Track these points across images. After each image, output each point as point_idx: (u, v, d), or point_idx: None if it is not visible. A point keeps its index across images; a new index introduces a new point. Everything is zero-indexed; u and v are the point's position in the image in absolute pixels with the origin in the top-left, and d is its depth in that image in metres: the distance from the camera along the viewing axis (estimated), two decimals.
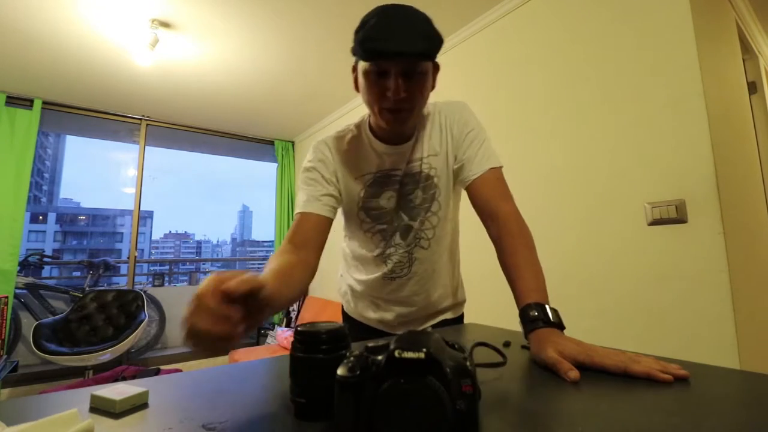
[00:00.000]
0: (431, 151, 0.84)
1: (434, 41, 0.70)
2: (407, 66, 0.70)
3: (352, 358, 0.31)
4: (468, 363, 0.30)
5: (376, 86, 0.73)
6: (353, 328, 0.94)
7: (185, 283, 4.82)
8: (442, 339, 0.33)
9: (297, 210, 0.83)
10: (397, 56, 0.68)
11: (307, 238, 0.78)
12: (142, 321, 2.86)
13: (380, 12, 0.70)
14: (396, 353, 0.29)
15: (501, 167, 0.82)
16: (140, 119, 3.59)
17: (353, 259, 0.98)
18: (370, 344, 0.32)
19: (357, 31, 0.72)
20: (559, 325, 0.61)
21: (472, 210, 0.82)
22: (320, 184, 0.83)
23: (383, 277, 0.91)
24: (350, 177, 0.86)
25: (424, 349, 0.29)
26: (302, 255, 0.74)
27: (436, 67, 0.79)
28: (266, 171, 4.42)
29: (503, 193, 0.80)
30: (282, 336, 3.27)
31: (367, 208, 0.88)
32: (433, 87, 0.79)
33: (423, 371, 0.28)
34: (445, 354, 0.30)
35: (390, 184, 0.85)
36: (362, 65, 0.73)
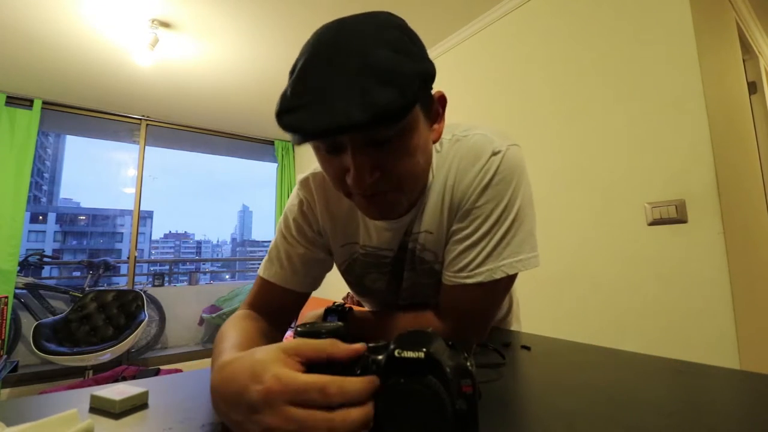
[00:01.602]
0: (426, 226, 0.59)
1: (403, 81, 0.41)
2: (369, 133, 0.43)
3: None
4: (468, 363, 0.30)
5: (330, 166, 0.48)
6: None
7: (185, 283, 4.82)
8: (443, 339, 0.33)
9: (265, 275, 0.64)
10: (326, 135, 0.41)
11: (280, 312, 0.64)
12: (142, 321, 2.86)
13: (311, 48, 0.44)
14: (396, 353, 0.29)
15: (485, 282, 0.54)
16: (140, 119, 3.59)
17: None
18: (371, 344, 0.32)
19: (288, 81, 0.46)
20: None
21: None
22: (301, 244, 0.64)
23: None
24: (334, 241, 0.66)
25: (424, 349, 0.28)
26: (273, 324, 0.61)
27: (440, 101, 0.52)
28: (266, 171, 4.43)
29: (461, 313, 0.57)
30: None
31: (349, 282, 0.71)
32: (439, 130, 0.53)
33: (423, 371, 0.28)
34: (446, 354, 0.30)
35: (377, 266, 0.64)
36: None
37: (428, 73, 0.45)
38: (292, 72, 0.46)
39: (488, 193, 0.54)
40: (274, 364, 0.30)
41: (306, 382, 0.28)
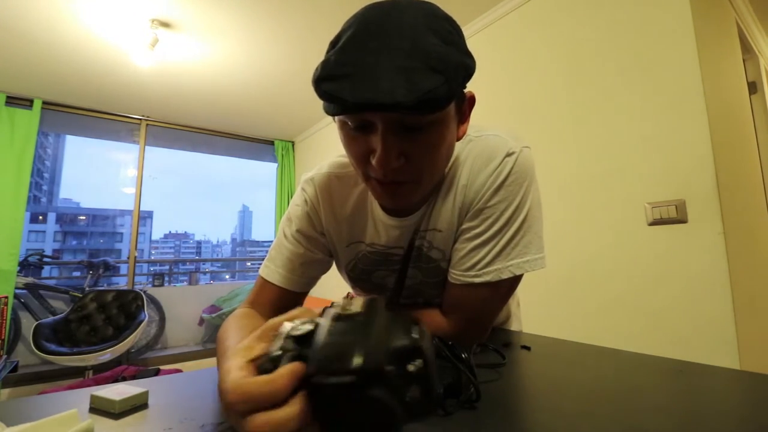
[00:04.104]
0: (435, 224, 0.59)
1: (450, 71, 0.41)
2: (401, 117, 0.42)
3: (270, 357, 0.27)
4: (414, 333, 0.25)
5: (355, 145, 0.47)
6: None
7: (185, 283, 4.82)
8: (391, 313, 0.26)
9: (263, 274, 0.64)
10: (366, 109, 0.41)
11: (278, 310, 0.62)
12: (141, 321, 2.86)
13: (358, 22, 0.44)
14: (314, 380, 0.23)
15: (493, 282, 0.54)
16: (140, 119, 3.59)
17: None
18: (292, 332, 0.27)
19: (327, 51, 0.46)
20: None
21: None
22: (301, 244, 0.64)
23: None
24: (339, 241, 0.66)
25: (353, 366, 0.22)
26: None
27: (470, 102, 0.53)
28: (266, 171, 4.42)
29: (466, 312, 0.57)
30: None
31: (354, 279, 0.70)
32: (463, 130, 0.53)
33: (359, 388, 0.23)
34: (382, 340, 0.24)
35: (385, 263, 0.64)
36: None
37: (471, 68, 0.46)
38: (334, 43, 0.45)
39: (501, 194, 0.54)
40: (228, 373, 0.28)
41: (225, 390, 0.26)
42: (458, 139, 0.52)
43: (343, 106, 0.41)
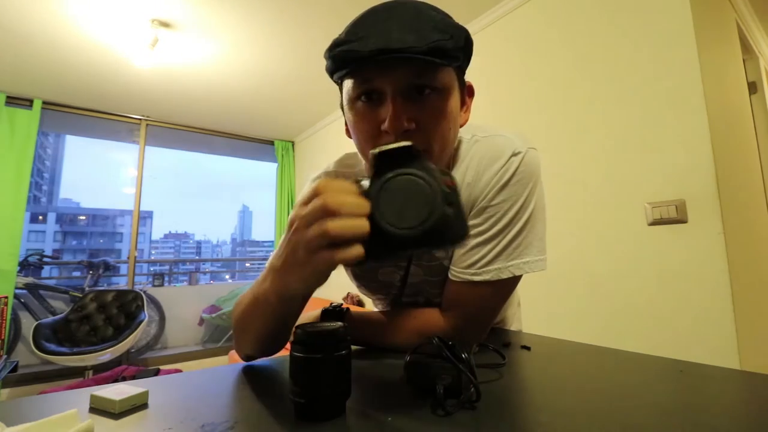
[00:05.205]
0: None
1: (453, 32, 0.46)
2: (410, 78, 0.46)
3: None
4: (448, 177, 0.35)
5: (364, 121, 0.49)
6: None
7: (185, 284, 4.82)
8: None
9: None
10: (380, 55, 0.43)
11: None
12: (141, 321, 2.86)
13: (367, 10, 0.48)
14: (378, 149, 0.34)
15: (492, 281, 0.55)
16: (140, 119, 3.59)
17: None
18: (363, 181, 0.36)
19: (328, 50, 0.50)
20: None
21: None
22: None
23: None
24: None
25: (408, 143, 0.34)
26: None
27: (469, 91, 0.56)
28: (266, 171, 4.42)
29: (464, 309, 0.57)
30: None
31: (359, 277, 0.71)
32: (465, 118, 0.56)
33: (408, 161, 0.33)
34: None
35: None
36: (345, 92, 0.51)
37: (469, 39, 0.50)
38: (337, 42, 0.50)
39: (505, 192, 0.55)
40: None
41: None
42: (462, 125, 0.55)
43: (356, 59, 0.44)
